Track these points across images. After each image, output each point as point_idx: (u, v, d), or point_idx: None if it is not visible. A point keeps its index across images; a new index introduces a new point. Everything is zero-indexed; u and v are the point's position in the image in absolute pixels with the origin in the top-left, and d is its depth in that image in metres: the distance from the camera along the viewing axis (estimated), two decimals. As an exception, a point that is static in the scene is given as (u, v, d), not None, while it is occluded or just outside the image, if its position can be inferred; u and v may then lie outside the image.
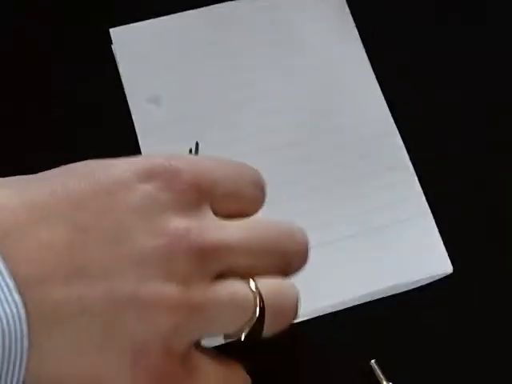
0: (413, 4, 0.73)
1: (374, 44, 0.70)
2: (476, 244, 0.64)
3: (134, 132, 0.66)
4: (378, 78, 0.69)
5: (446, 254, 0.62)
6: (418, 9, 0.72)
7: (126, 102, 0.67)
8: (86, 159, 0.57)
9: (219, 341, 0.59)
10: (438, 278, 0.62)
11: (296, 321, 0.60)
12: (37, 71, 0.68)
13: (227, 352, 0.59)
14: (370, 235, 0.63)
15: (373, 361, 0.59)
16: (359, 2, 0.72)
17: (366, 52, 0.70)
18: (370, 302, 0.61)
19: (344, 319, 0.61)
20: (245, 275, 0.49)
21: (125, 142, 0.66)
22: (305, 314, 0.60)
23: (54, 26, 0.70)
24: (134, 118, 0.66)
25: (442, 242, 0.63)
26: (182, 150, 0.64)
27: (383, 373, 0.58)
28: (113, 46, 0.69)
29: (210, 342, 0.60)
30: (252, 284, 0.49)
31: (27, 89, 0.68)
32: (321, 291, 0.61)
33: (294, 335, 0.60)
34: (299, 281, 0.61)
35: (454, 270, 0.62)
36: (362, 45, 0.70)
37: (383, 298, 0.62)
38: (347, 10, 0.71)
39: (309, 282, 0.61)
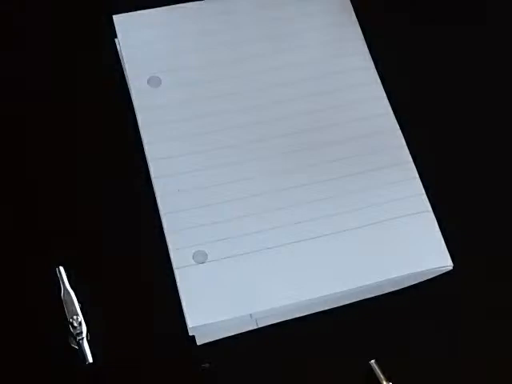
0: (413, 3, 0.73)
1: (376, 42, 0.70)
2: (476, 240, 0.64)
3: (133, 112, 0.67)
4: (379, 75, 0.69)
5: (447, 250, 0.62)
6: (419, 8, 0.73)
7: (126, 83, 0.68)
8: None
9: (213, 338, 0.60)
10: (438, 273, 0.62)
11: (296, 316, 0.61)
12: (38, 56, 0.69)
13: (225, 351, 0.59)
14: (371, 230, 0.63)
15: (373, 361, 0.59)
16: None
17: (369, 49, 0.70)
18: (370, 301, 0.61)
19: (344, 318, 0.61)
20: None
21: (124, 123, 0.67)
22: (305, 308, 0.61)
23: (56, 12, 0.71)
24: (133, 98, 0.67)
25: (442, 238, 0.63)
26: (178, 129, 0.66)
27: (383, 373, 0.58)
28: (117, 34, 0.69)
29: (203, 339, 0.60)
30: None
31: (28, 76, 0.68)
32: (321, 281, 0.61)
33: (294, 335, 0.60)
34: (300, 271, 0.61)
35: (454, 267, 0.62)
36: (364, 42, 0.70)
37: (383, 298, 0.62)
38: (350, 6, 0.71)
39: (309, 272, 0.61)
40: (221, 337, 0.60)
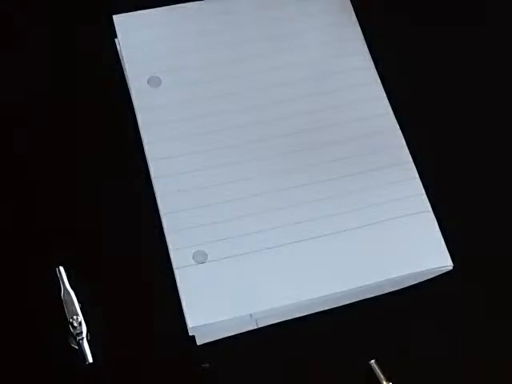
0: (413, 3, 0.73)
1: (376, 42, 0.70)
2: (476, 240, 0.64)
3: (133, 112, 0.67)
4: (380, 75, 0.69)
5: (447, 250, 0.62)
6: (419, 8, 0.73)
7: (126, 84, 0.68)
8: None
9: (213, 338, 0.60)
10: (438, 273, 0.62)
11: (296, 316, 0.61)
12: (38, 56, 0.69)
13: (225, 351, 0.59)
14: (371, 230, 0.63)
15: (373, 361, 0.59)
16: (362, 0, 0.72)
17: (369, 49, 0.70)
18: (370, 301, 0.61)
19: (344, 318, 0.61)
20: None
21: (124, 123, 0.67)
22: (305, 308, 0.61)
23: (56, 12, 0.71)
24: (133, 98, 0.67)
25: (442, 238, 0.63)
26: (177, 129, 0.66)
27: (383, 373, 0.58)
28: (117, 34, 0.69)
29: (203, 339, 0.60)
30: None
31: (28, 76, 0.68)
32: (321, 281, 0.61)
33: (294, 335, 0.60)
34: (300, 271, 0.61)
35: (454, 267, 0.62)
36: (364, 42, 0.70)
37: (383, 298, 0.62)
38: (350, 6, 0.71)
39: (309, 272, 0.61)
40: (221, 337, 0.60)
